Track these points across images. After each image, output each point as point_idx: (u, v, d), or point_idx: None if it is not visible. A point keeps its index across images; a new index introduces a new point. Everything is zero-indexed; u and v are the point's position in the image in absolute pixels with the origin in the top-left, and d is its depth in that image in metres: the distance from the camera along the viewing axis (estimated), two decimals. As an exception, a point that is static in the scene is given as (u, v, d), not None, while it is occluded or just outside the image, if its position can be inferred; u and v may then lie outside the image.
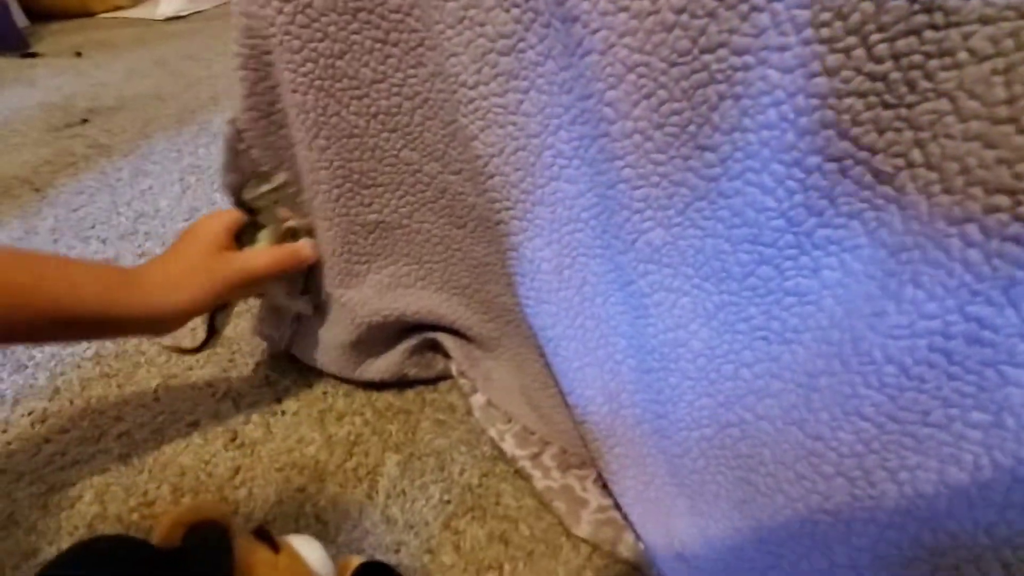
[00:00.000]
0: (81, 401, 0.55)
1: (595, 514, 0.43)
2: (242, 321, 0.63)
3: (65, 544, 0.44)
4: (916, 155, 0.23)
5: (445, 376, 0.55)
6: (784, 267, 0.28)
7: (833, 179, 0.25)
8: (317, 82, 0.39)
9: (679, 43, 0.27)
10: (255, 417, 0.53)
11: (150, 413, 0.54)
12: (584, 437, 0.40)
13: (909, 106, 0.22)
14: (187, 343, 0.59)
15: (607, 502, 0.44)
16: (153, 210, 0.84)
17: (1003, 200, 0.20)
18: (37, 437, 0.51)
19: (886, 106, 0.23)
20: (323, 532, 0.44)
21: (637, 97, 0.29)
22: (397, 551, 0.43)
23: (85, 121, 1.10)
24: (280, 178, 0.44)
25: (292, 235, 0.46)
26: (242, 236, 0.44)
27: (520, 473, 0.47)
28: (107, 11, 1.97)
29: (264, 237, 0.45)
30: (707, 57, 0.26)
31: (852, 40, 0.22)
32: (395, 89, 0.40)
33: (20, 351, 0.60)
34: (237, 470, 0.49)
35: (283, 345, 0.54)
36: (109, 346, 0.61)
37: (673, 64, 0.27)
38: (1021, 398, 0.23)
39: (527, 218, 0.37)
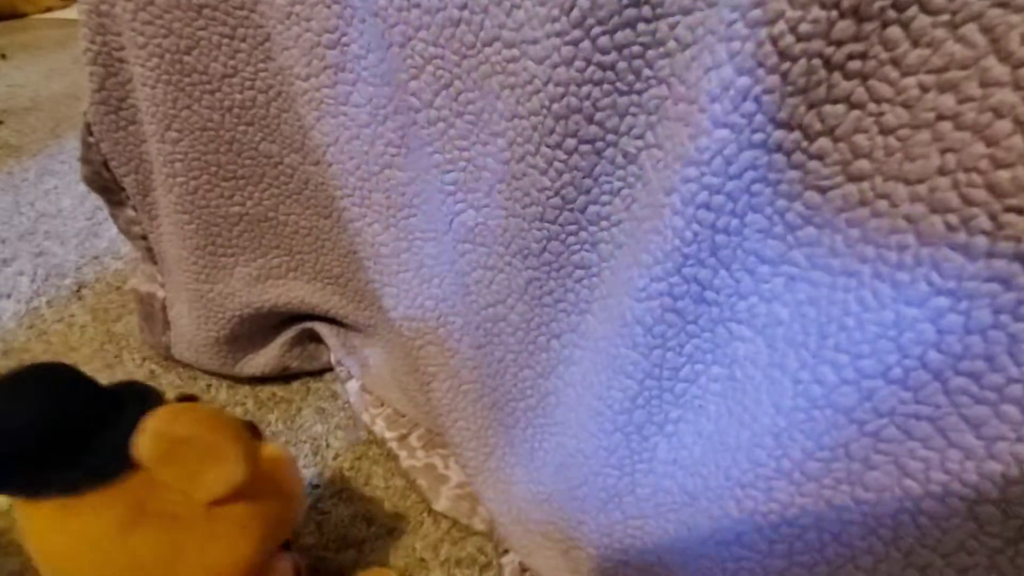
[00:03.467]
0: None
1: (454, 490, 0.45)
2: (133, 318, 0.63)
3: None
4: (650, 136, 0.26)
5: (330, 368, 0.56)
6: (568, 242, 0.31)
7: (590, 160, 0.28)
8: (165, 76, 0.40)
9: (465, 37, 0.29)
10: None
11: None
12: (432, 412, 0.42)
13: (639, 92, 0.25)
14: None
15: (467, 478, 0.46)
16: (56, 210, 0.82)
17: (691, 172, 0.23)
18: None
19: (620, 93, 0.26)
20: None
21: (437, 87, 0.31)
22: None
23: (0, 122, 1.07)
24: None
25: None
26: None
27: (389, 454, 0.49)
28: (38, 12, 1.92)
29: None
30: (487, 50, 0.29)
31: (578, 33, 0.25)
32: (247, 83, 0.41)
33: None
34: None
35: (162, 349, 0.54)
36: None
37: (464, 56, 0.30)
38: (745, 351, 0.26)
39: (365, 204, 0.38)
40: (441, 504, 0.45)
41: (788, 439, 0.24)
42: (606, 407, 0.30)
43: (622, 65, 0.25)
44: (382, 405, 0.51)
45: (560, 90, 0.26)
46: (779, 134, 0.22)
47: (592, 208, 0.29)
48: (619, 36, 0.24)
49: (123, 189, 0.48)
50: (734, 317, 0.26)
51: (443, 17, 0.29)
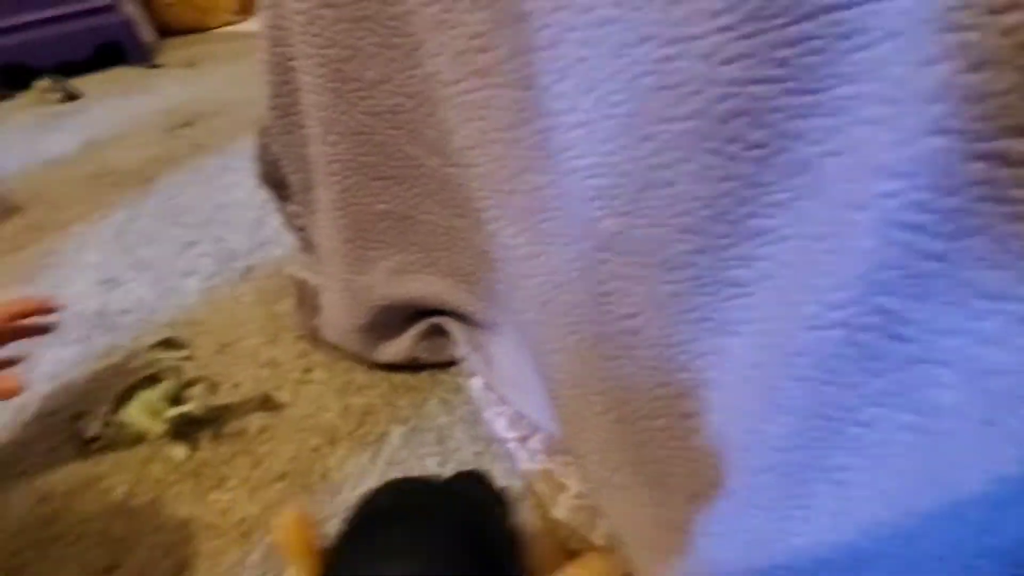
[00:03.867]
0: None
1: (574, 499, 0.45)
2: (291, 300, 0.70)
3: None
4: (833, 143, 0.23)
5: (455, 361, 0.58)
6: (721, 257, 0.28)
7: (755, 168, 0.25)
8: (328, 84, 0.43)
9: (618, 36, 0.28)
10: (287, 384, 0.60)
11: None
12: (558, 420, 0.42)
13: (820, 92, 0.22)
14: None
15: (587, 490, 0.45)
16: (232, 201, 0.94)
17: (892, 186, 0.19)
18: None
19: (797, 93, 0.23)
20: (326, 489, 0.49)
21: (584, 88, 0.30)
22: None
23: (190, 124, 1.26)
24: (186, 351, 0.51)
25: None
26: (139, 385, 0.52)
27: (508, 454, 0.49)
28: (220, 26, 2.22)
29: (160, 391, 0.53)
30: (641, 49, 0.27)
31: (750, 27, 0.22)
32: (397, 89, 0.43)
33: (113, 316, 0.71)
34: (265, 428, 0.55)
35: (312, 331, 0.60)
36: (181, 315, 0.70)
37: (615, 57, 0.28)
38: (950, 401, 0.22)
39: (502, 207, 0.39)
40: (560, 512, 0.44)
41: (1001, 516, 0.20)
42: (758, 442, 0.27)
43: (802, 61, 0.22)
44: (505, 404, 0.52)
45: (724, 90, 0.24)
46: (1010, 143, 0.18)
47: (753, 221, 0.26)
48: (799, 28, 0.21)
49: (289, 186, 0.53)
50: (935, 358, 0.22)
51: (595, 17, 0.28)
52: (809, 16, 0.21)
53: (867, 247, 0.21)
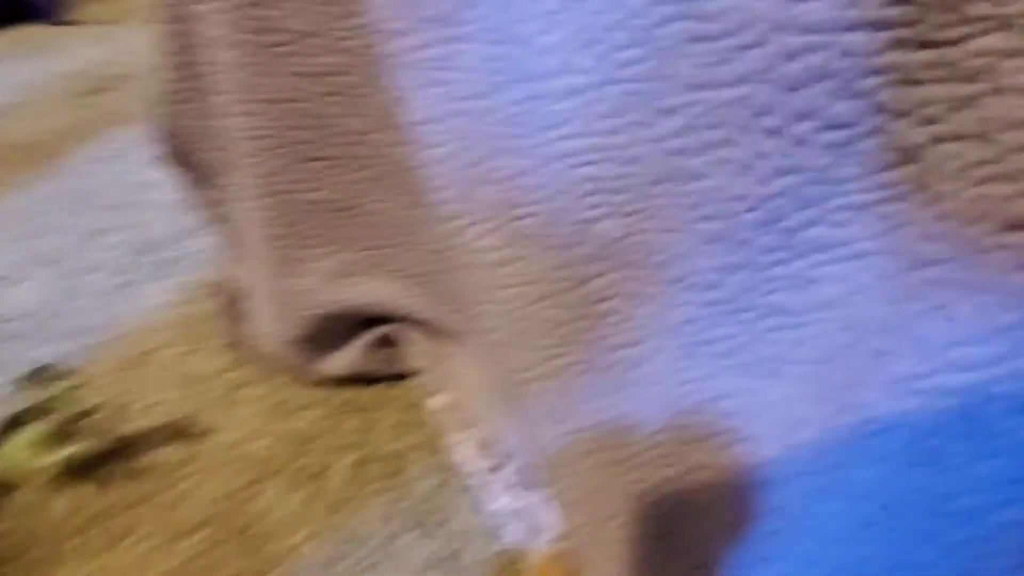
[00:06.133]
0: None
1: (553, 544, 0.38)
2: (212, 304, 0.60)
3: None
4: (960, 120, 0.15)
5: (413, 374, 0.50)
6: (763, 276, 0.21)
7: (832, 156, 0.17)
8: (242, 36, 0.34)
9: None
10: (210, 405, 0.50)
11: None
12: (537, 461, 0.34)
13: (953, 43, 0.15)
14: None
15: (571, 537, 0.38)
16: (152, 181, 0.82)
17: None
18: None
19: (918, 44, 0.15)
20: (260, 535, 0.41)
21: (582, 41, 0.22)
22: (333, 566, 0.39)
23: (103, 91, 1.11)
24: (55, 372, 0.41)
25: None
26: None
27: (477, 487, 0.42)
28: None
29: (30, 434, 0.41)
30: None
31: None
32: (333, 44, 0.34)
33: (1, 322, 0.60)
34: (183, 462, 0.46)
35: (239, 340, 0.50)
36: (84, 319, 0.59)
37: None
38: None
39: (468, 198, 0.30)
40: (536, 557, 0.37)
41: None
42: (813, 525, 0.21)
43: (932, -4, 0.14)
44: (472, 427, 0.44)
45: (806, 40, 0.16)
46: None
47: (815, 230, 0.19)
48: (938, -59, 0.14)
49: (201, 167, 0.43)
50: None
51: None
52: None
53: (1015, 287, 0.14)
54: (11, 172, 0.85)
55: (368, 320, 0.47)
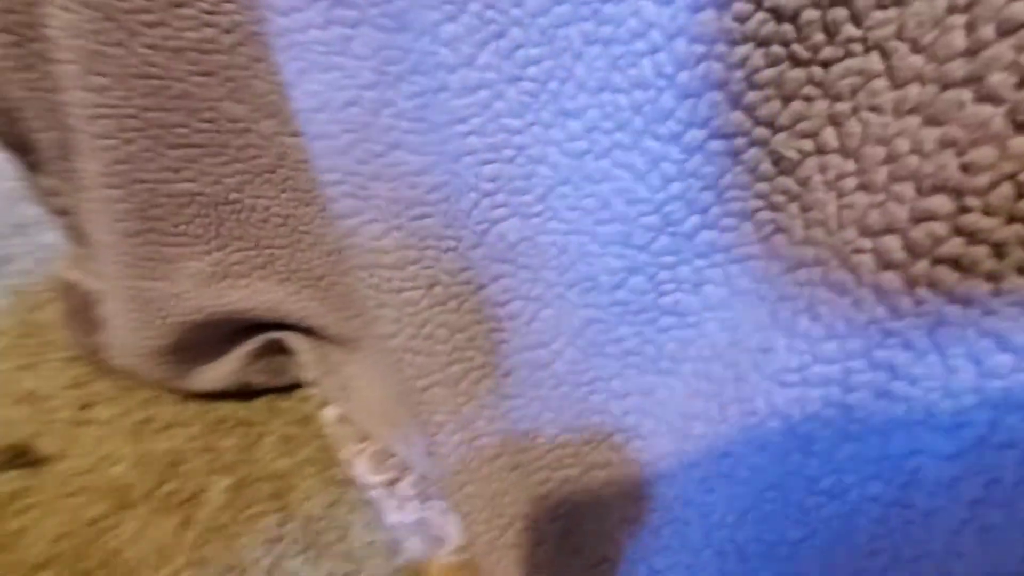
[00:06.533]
0: None
1: (453, 555, 0.36)
2: (58, 306, 0.52)
3: None
4: (829, 136, 0.17)
5: (301, 385, 0.46)
6: (660, 278, 0.21)
7: (721, 163, 0.18)
8: (90, -4, 0.29)
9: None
10: (53, 426, 0.43)
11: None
12: (434, 469, 0.33)
13: (825, 64, 0.16)
14: None
15: (470, 547, 0.37)
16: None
17: (942, 203, 0.14)
18: None
19: (795, 62, 0.16)
20: (112, 574, 0.35)
21: (483, 36, 0.21)
22: (205, 603, 0.35)
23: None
24: None
25: None
26: None
27: (373, 502, 0.39)
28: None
29: None
30: (568, -17, 0.19)
31: (748, -45, 0.15)
32: (205, 16, 0.30)
33: None
34: (19, 493, 0.39)
35: (91, 351, 0.43)
36: None
37: (529, -8, 0.20)
38: (934, 472, 0.17)
39: (362, 195, 0.28)
40: (435, 569, 0.36)
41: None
42: (698, 515, 0.22)
43: (810, 15, 0.15)
44: (366, 440, 0.42)
45: (696, 50, 0.17)
46: None
47: (706, 234, 0.20)
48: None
49: (37, 149, 0.36)
50: (927, 421, 0.17)
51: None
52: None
53: (887, 285, 0.15)
54: None
55: (248, 327, 0.43)
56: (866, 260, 0.15)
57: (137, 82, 0.31)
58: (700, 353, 0.22)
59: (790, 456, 0.19)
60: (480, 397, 0.30)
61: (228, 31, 0.31)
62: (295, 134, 0.33)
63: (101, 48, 0.30)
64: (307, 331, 0.43)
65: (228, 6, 0.30)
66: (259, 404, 0.46)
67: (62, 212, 0.39)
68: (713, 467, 0.21)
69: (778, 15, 0.15)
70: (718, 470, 0.21)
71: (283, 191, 0.36)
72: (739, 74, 0.17)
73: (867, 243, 0.15)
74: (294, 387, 0.47)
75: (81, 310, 0.43)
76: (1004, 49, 0.12)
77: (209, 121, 0.34)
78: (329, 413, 0.43)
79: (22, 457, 0.41)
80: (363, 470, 0.40)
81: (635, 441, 0.25)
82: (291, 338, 0.43)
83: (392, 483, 0.40)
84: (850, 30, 0.14)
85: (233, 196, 0.36)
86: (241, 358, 0.42)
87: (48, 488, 0.39)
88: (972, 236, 0.13)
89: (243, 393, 0.45)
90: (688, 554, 0.23)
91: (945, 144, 0.13)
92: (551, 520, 0.30)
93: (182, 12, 0.30)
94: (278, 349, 0.45)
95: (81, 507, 0.39)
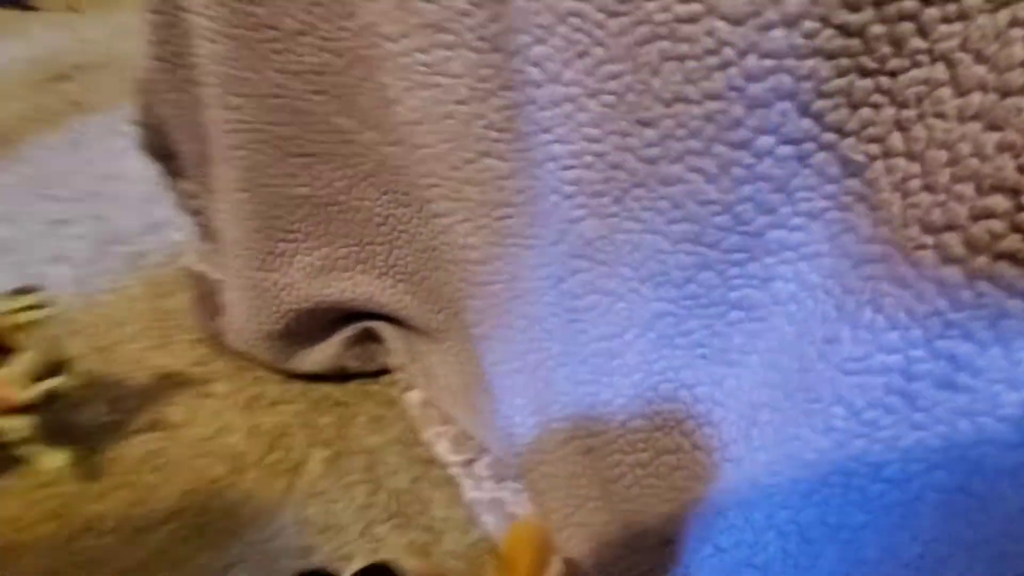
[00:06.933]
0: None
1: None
2: (186, 294, 0.59)
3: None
4: (896, 140, 0.18)
5: (389, 371, 0.51)
6: (729, 274, 0.23)
7: (790, 168, 0.20)
8: (232, 31, 0.34)
9: (621, -13, 0.22)
10: (181, 398, 0.50)
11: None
12: (512, 449, 0.36)
13: (892, 73, 0.17)
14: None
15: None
16: (119, 172, 0.80)
17: (1000, 202, 0.15)
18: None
19: (863, 72, 0.18)
20: (229, 530, 0.41)
21: (570, 55, 0.24)
22: (306, 556, 0.40)
23: (68, 78, 1.07)
24: (42, 294, 0.38)
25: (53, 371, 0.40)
26: None
27: (452, 480, 0.43)
28: (115, -32, 1.93)
29: (18, 364, 0.39)
30: (650, 5, 0.21)
31: (817, -21, 0.17)
32: (323, 43, 0.35)
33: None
34: (151, 455, 0.46)
35: (213, 334, 0.50)
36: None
37: (613, 14, 0.22)
38: (995, 459, 0.18)
39: (454, 197, 0.32)
40: (511, 530, 0.39)
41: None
42: (762, 496, 0.23)
43: (876, 30, 0.17)
44: (447, 423, 0.45)
45: (767, 64, 0.18)
46: None
47: (775, 233, 0.21)
48: (883, -15, 0.16)
49: (180, 158, 0.43)
50: (992, 412, 0.18)
51: (589, -40, 0.22)
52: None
53: (950, 279, 0.16)
54: (-35, 157, 0.82)
55: (346, 317, 0.48)
56: (928, 256, 0.16)
57: (266, 101, 0.36)
58: (768, 345, 0.23)
59: (854, 442, 0.20)
60: (556, 384, 0.33)
61: (340, 55, 0.35)
62: (394, 143, 0.37)
63: (238, 73, 0.35)
64: (396, 322, 0.47)
65: (343, 34, 0.34)
66: (352, 387, 0.51)
67: (196, 212, 0.46)
68: (778, 451, 0.22)
69: (846, 31, 0.17)
70: (783, 454, 0.22)
71: (383, 193, 0.41)
72: (808, 85, 0.18)
73: (929, 239, 0.16)
74: (382, 373, 0.51)
75: (206, 298, 0.50)
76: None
77: (321, 133, 0.38)
78: (414, 397, 0.47)
79: (155, 424, 0.48)
80: (444, 450, 0.44)
81: (705, 427, 0.27)
82: (382, 327, 0.47)
83: (470, 463, 0.43)
84: (917, 43, 0.16)
85: (340, 198, 0.41)
86: (339, 344, 0.47)
87: (177, 451, 0.46)
88: (1033, 233, 0.14)
89: (338, 376, 0.50)
90: (752, 533, 0.24)
91: (1004, 147, 0.14)
92: (621, 501, 0.32)
93: (304, 40, 0.35)
94: (370, 337, 0.49)
95: (203, 469, 0.45)
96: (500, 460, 0.43)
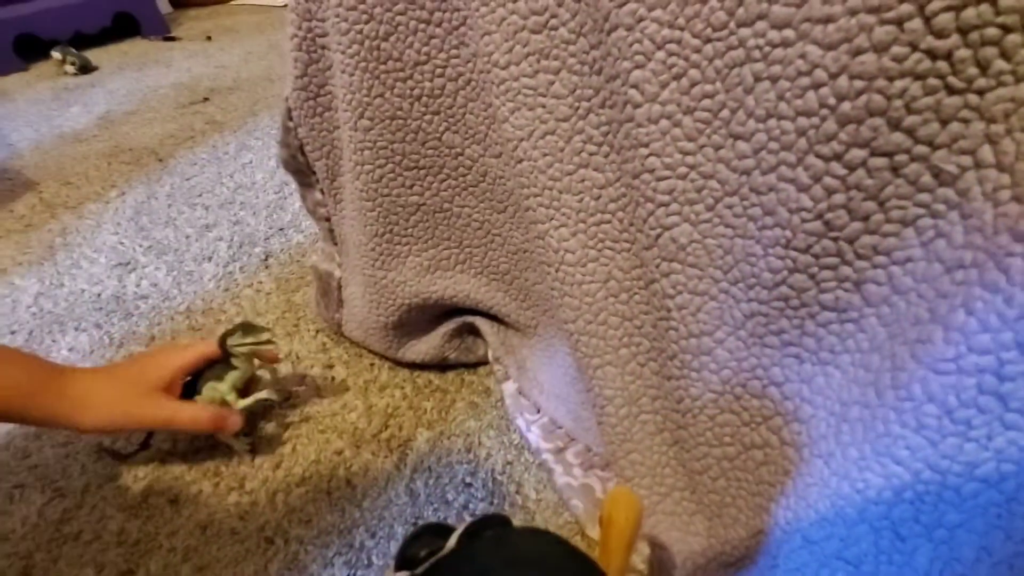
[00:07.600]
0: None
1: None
2: (311, 290, 0.67)
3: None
4: (986, 153, 0.19)
5: (485, 361, 0.55)
6: (821, 277, 0.24)
7: (881, 178, 0.21)
8: (363, 64, 0.39)
9: (714, 16, 0.24)
10: (307, 380, 0.57)
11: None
12: (602, 438, 0.39)
13: (980, 92, 0.18)
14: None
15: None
16: (250, 182, 0.91)
17: (1088, 213, 0.16)
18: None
19: (951, 91, 0.19)
20: (350, 496, 0.47)
21: (666, 77, 0.26)
22: (415, 524, 0.44)
23: (206, 99, 1.22)
24: (266, 334, 0.48)
25: (255, 383, 0.51)
26: (210, 369, 0.49)
27: (542, 466, 0.46)
28: (238, -2, 2.17)
29: (231, 379, 0.49)
30: (744, 31, 0.23)
31: (908, 8, 0.18)
32: (438, 71, 0.39)
33: (130, 301, 0.69)
34: (291, 425, 0.53)
35: (334, 325, 0.57)
36: (199, 303, 0.68)
37: (707, 40, 0.25)
38: None
39: (553, 206, 0.35)
40: (597, 532, 0.41)
41: None
42: (853, 491, 0.24)
43: (962, 54, 0.18)
44: (538, 412, 0.49)
45: (858, 85, 0.20)
46: None
47: (866, 239, 0.23)
48: (969, 13, 0.17)
49: (314, 173, 0.50)
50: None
51: (687, -8, 0.24)
52: (744, 23, 0.17)
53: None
54: (132, 171, 0.97)
55: (449, 312, 0.53)
56: (1018, 263, 0.17)
57: (389, 122, 0.42)
58: (859, 346, 0.24)
59: (947, 440, 0.21)
60: (646, 378, 0.35)
61: (453, 80, 0.40)
62: (496, 156, 0.41)
63: (367, 99, 0.41)
64: (493, 317, 0.51)
65: (454, 62, 0.39)
66: (451, 376, 0.55)
67: (324, 219, 0.52)
68: (870, 447, 0.23)
69: (933, 55, 0.18)
70: (875, 450, 0.23)
71: (482, 201, 0.45)
72: (898, 103, 0.19)
73: (1019, 247, 0.17)
74: (478, 364, 0.56)
75: (328, 293, 0.57)
76: None
77: (433, 148, 0.43)
78: (508, 387, 0.51)
79: (289, 402, 0.56)
80: (535, 437, 0.47)
81: (793, 424, 0.28)
82: (480, 322, 0.52)
83: (559, 451, 0.46)
84: (1001, 64, 0.17)
85: (445, 205, 0.46)
86: (442, 336, 0.52)
87: (307, 424, 0.53)
88: None
89: (439, 366, 0.55)
90: (843, 527, 0.25)
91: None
92: (708, 492, 0.34)
93: (423, 69, 0.39)
94: (469, 331, 0.54)
95: (328, 442, 0.51)
96: (588, 449, 0.45)
